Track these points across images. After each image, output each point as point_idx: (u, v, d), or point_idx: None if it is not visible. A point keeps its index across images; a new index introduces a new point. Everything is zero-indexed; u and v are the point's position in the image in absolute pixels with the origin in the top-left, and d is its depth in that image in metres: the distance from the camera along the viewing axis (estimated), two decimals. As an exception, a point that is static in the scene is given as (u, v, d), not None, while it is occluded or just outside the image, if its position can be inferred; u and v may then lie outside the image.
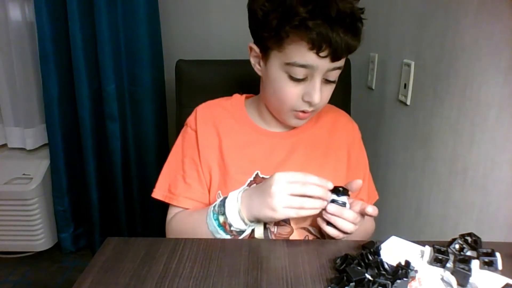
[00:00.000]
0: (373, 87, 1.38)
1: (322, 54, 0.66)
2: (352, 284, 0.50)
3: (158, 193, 0.83)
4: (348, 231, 0.66)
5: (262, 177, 0.78)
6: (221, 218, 0.69)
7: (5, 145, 1.89)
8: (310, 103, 0.73)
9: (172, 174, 0.83)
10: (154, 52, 1.71)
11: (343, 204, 0.65)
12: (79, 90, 1.69)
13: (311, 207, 0.64)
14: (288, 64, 0.70)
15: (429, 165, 0.98)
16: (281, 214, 0.64)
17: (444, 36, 0.90)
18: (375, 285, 0.48)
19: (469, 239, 0.58)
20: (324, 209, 0.65)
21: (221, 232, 0.69)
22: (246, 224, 0.68)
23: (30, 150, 1.87)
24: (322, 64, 0.69)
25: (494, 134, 0.73)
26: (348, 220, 0.65)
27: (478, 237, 0.58)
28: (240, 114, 0.86)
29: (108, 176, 1.84)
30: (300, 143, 0.83)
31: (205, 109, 0.86)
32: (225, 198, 0.70)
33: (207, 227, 0.70)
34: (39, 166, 1.84)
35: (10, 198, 1.78)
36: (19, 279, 1.76)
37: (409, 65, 1.07)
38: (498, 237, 0.72)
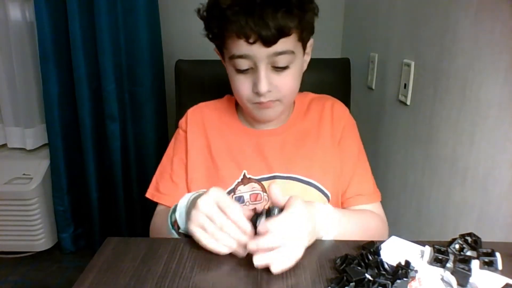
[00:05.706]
0: (373, 87, 1.38)
1: (251, 40, 0.66)
2: (352, 284, 0.49)
3: (148, 192, 0.84)
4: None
5: (249, 178, 0.78)
6: (173, 217, 0.66)
7: (5, 145, 1.89)
8: (258, 94, 0.72)
9: (162, 173, 0.85)
10: (154, 52, 1.71)
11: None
12: (79, 90, 1.69)
13: (223, 245, 0.56)
14: (230, 58, 0.71)
15: (429, 165, 0.98)
16: (192, 228, 0.57)
17: (444, 36, 0.90)
18: (375, 285, 0.48)
19: (469, 239, 0.58)
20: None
21: (173, 231, 0.67)
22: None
23: (30, 150, 1.87)
24: (258, 51, 0.68)
25: (494, 134, 0.73)
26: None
27: (478, 237, 0.58)
28: (229, 115, 0.86)
29: (108, 176, 1.84)
30: (289, 139, 0.82)
31: (196, 111, 0.87)
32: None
33: (166, 226, 0.69)
34: (39, 166, 1.84)
35: (10, 198, 1.78)
36: (19, 279, 1.76)
37: (409, 65, 1.07)
38: (498, 237, 0.72)
